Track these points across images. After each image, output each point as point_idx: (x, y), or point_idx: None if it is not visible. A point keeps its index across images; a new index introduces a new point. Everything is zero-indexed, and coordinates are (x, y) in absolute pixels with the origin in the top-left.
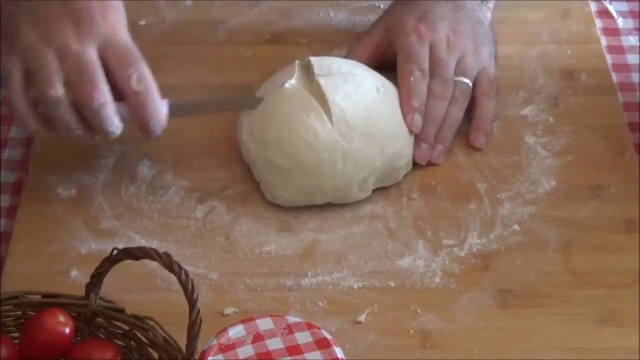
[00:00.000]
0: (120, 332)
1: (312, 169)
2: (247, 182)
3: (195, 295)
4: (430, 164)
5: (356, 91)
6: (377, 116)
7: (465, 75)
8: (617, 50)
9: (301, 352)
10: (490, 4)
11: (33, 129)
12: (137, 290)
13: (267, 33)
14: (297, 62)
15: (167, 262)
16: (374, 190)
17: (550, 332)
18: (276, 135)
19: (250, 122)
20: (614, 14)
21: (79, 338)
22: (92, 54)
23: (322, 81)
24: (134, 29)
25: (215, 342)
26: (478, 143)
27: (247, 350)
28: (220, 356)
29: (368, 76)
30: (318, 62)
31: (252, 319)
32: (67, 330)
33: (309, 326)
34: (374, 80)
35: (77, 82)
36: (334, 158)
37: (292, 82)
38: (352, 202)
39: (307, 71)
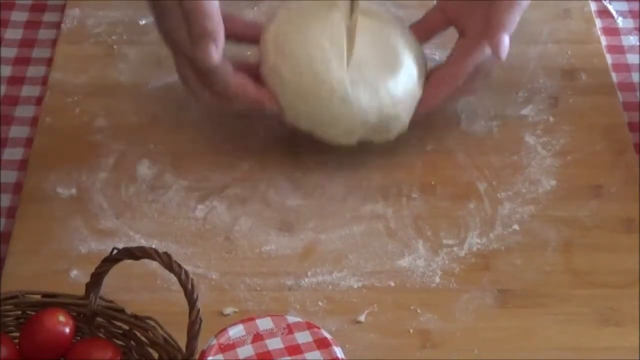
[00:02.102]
0: (120, 331)
1: (308, 93)
2: (247, 182)
3: (195, 295)
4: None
5: (384, 44)
6: (391, 76)
7: None
8: (617, 50)
9: (301, 352)
10: None
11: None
12: (137, 290)
13: None
14: None
15: (167, 261)
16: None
17: (550, 332)
18: (293, 48)
19: (280, 24)
20: (614, 13)
21: (79, 338)
22: None
23: (361, 21)
24: (134, 29)
25: (215, 341)
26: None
27: (247, 350)
28: (220, 356)
29: (404, 36)
30: (367, 3)
31: (252, 319)
32: (67, 330)
33: (309, 326)
34: (406, 42)
35: None
36: (333, 96)
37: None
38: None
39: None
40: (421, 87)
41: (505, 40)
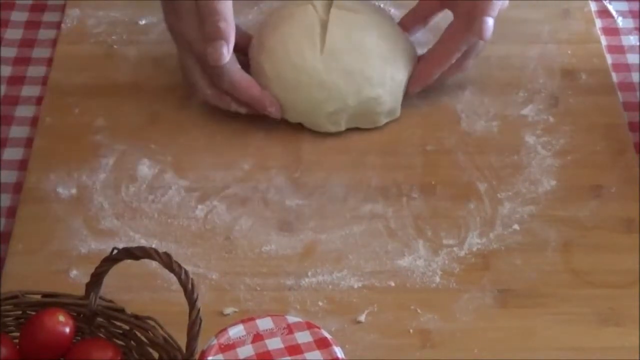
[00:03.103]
0: (121, 331)
1: (289, 85)
2: (247, 182)
3: (195, 294)
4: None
5: (357, 32)
6: (365, 59)
7: None
8: (617, 50)
9: (301, 352)
10: None
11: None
12: (137, 290)
13: None
14: None
15: (167, 261)
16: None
17: (550, 332)
18: (272, 45)
19: (264, 26)
20: (614, 13)
21: (79, 338)
22: None
23: (335, 13)
24: (134, 29)
25: (215, 341)
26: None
27: (247, 350)
28: (220, 356)
29: (380, 24)
30: None
31: (252, 319)
32: (67, 330)
33: (309, 326)
34: (382, 29)
35: None
36: (311, 83)
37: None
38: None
39: None
40: (405, 69)
41: (488, 22)
